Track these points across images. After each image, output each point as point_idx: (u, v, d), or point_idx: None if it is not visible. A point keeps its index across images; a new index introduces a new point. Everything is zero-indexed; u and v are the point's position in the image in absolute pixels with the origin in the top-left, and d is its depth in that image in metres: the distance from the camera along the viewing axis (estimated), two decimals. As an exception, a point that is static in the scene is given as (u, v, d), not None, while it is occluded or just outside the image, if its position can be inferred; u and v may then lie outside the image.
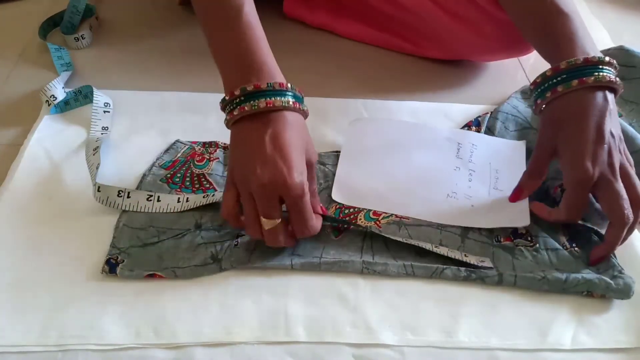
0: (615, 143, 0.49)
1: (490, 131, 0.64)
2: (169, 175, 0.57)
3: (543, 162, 0.53)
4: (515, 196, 0.55)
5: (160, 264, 0.50)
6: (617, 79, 0.50)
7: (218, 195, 0.54)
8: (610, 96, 0.50)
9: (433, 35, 0.73)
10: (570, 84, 0.49)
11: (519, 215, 0.54)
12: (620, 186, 0.49)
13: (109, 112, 0.64)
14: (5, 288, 0.48)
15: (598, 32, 0.85)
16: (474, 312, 0.48)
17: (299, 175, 0.45)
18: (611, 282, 0.48)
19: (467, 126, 0.65)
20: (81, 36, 0.76)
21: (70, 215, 0.54)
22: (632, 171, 0.50)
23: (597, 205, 0.53)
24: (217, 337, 0.45)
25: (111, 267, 0.49)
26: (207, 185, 0.57)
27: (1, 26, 0.80)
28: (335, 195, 0.56)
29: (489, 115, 0.66)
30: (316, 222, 0.48)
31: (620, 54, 0.69)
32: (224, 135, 0.63)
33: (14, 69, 0.72)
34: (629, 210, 0.48)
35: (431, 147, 0.61)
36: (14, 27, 0.80)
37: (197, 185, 0.56)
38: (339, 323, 0.47)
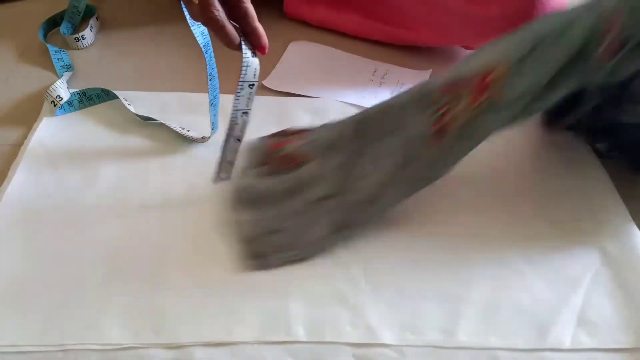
0: None
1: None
2: None
3: None
4: None
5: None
6: None
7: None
8: None
9: (435, 21, 0.72)
10: None
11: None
12: None
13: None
14: (5, 288, 0.48)
15: (598, 32, 0.85)
16: (474, 312, 0.48)
17: None
18: None
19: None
20: (81, 36, 0.76)
21: (70, 215, 0.54)
22: None
23: None
24: (217, 337, 0.45)
25: None
26: None
27: (1, 26, 0.80)
28: (268, 82, 0.68)
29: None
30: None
31: (620, 54, 0.69)
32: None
33: (14, 69, 0.72)
34: None
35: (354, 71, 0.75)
36: (14, 27, 0.80)
37: None
38: (339, 323, 0.47)
